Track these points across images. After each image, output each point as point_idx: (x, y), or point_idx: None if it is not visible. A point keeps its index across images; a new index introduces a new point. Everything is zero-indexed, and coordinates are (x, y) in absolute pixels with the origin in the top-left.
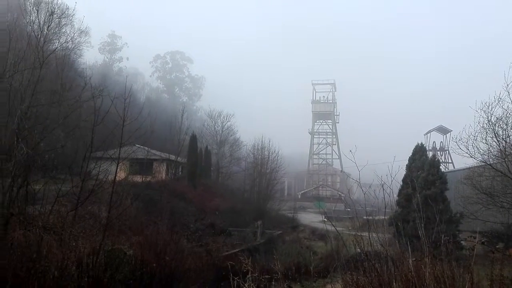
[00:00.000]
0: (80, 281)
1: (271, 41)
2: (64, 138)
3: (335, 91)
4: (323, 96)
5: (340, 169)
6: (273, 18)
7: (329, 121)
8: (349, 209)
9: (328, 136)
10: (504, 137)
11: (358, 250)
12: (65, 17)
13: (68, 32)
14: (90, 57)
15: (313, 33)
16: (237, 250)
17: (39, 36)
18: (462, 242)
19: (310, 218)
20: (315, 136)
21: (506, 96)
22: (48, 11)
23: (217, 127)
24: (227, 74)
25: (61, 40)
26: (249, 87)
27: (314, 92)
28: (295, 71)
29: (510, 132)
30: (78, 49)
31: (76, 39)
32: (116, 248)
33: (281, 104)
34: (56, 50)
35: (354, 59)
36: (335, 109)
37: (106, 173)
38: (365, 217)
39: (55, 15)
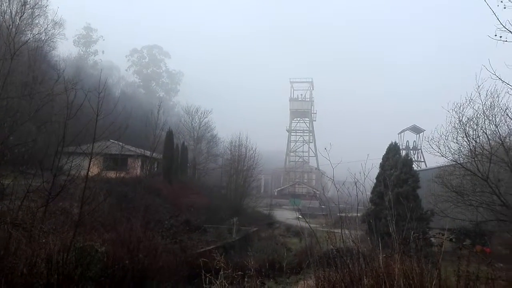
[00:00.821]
0: (50, 278)
1: (250, 39)
2: (36, 132)
3: (313, 89)
4: (301, 94)
5: (316, 166)
6: (252, 16)
7: (306, 119)
8: (323, 206)
9: (305, 134)
10: (474, 137)
11: (331, 246)
12: (38, 7)
13: (42, 23)
14: (64, 49)
15: (292, 32)
16: (212, 247)
17: (11, 26)
18: (432, 239)
19: (286, 215)
20: (292, 133)
21: (477, 97)
22: (20, 1)
23: (194, 123)
24: (205, 71)
25: (34, 32)
26: (227, 84)
27: (292, 90)
28: (274, 69)
29: (480, 132)
30: (52, 41)
31: (49, 30)
32: (87, 245)
33: (259, 102)
34: (29, 41)
35: (331, 59)
36: (312, 107)
37: (79, 168)
38: (338, 214)
39: (28, 6)
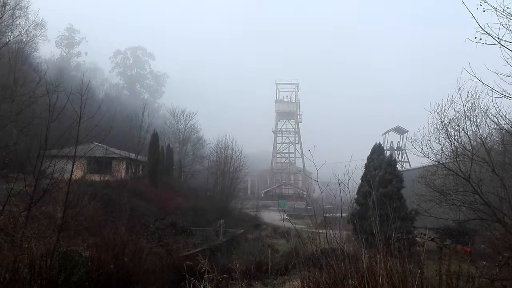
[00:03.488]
0: (33, 284)
1: (235, 41)
2: (17, 135)
3: (298, 91)
4: (287, 96)
5: (302, 168)
6: (238, 17)
7: (292, 120)
8: (310, 207)
9: (291, 135)
10: (456, 137)
11: (315, 248)
12: (19, 8)
13: (23, 24)
14: (46, 51)
15: (277, 34)
16: (198, 249)
17: None
18: (417, 238)
19: (273, 216)
20: (278, 135)
21: (458, 99)
22: (0, 1)
23: (180, 125)
24: (190, 73)
25: (14, 33)
26: (213, 86)
27: (277, 91)
28: (259, 71)
29: (462, 133)
30: (33, 43)
31: (31, 32)
32: (71, 249)
33: (245, 103)
34: (9, 43)
35: (317, 61)
36: (298, 108)
37: (62, 171)
38: (323, 215)
39: (8, 7)
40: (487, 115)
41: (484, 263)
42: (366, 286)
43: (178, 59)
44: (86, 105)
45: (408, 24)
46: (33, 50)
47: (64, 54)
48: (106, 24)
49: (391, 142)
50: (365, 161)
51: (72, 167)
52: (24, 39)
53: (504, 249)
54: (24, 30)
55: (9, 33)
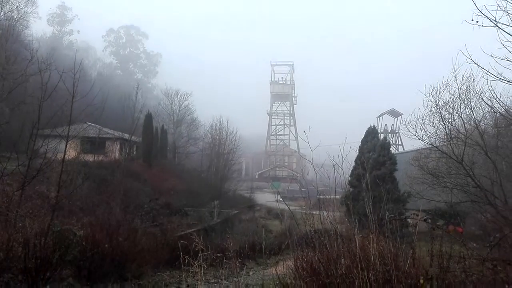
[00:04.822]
0: (27, 262)
1: (231, 20)
2: (9, 114)
3: (294, 72)
4: (282, 78)
5: (296, 150)
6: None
7: (287, 102)
8: (303, 189)
9: (286, 117)
10: (450, 120)
11: (309, 228)
12: None
13: (13, 1)
14: (37, 29)
15: (272, 14)
16: (193, 229)
17: None
18: (409, 220)
19: (267, 198)
20: (273, 117)
21: (453, 81)
22: None
23: (174, 106)
24: (185, 53)
25: (4, 9)
26: (208, 66)
27: (272, 73)
28: (255, 52)
29: (456, 116)
30: (25, 20)
31: (22, 8)
32: (65, 228)
33: (239, 85)
34: (0, 19)
35: (312, 42)
36: (293, 90)
37: (55, 151)
38: (317, 197)
39: None
40: (482, 98)
41: (475, 244)
42: (359, 265)
43: (171, 39)
44: (78, 84)
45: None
46: (24, 27)
47: (56, 32)
48: (98, 1)
49: (385, 125)
50: (360, 143)
51: (65, 147)
52: (15, 16)
53: (495, 231)
54: (15, 6)
55: (0, 9)
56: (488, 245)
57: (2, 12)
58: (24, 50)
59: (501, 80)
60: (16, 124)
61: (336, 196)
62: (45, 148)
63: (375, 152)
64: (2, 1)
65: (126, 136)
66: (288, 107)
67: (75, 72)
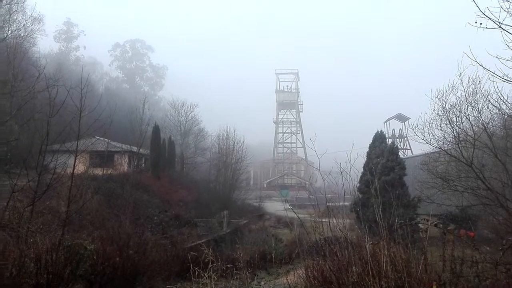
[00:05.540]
0: (39, 278)
1: (235, 31)
2: (18, 131)
3: (299, 80)
4: (287, 86)
5: (304, 157)
6: (237, 7)
7: (293, 110)
8: (312, 197)
9: (292, 125)
10: (457, 123)
11: (319, 236)
12: (16, 3)
13: (20, 19)
14: (44, 45)
15: (277, 24)
16: (203, 240)
17: None
18: (420, 225)
19: (276, 207)
20: (279, 125)
21: (459, 84)
22: None
23: (181, 117)
24: (190, 64)
25: (12, 28)
26: (213, 77)
27: (278, 81)
28: (260, 61)
29: (463, 119)
30: (31, 37)
31: (28, 26)
32: (76, 243)
33: (246, 94)
34: (7, 38)
35: (317, 50)
36: (298, 98)
37: (64, 166)
38: (326, 204)
39: (4, 1)
40: (489, 100)
41: (487, 248)
42: (370, 272)
43: (177, 52)
44: (86, 99)
45: (408, 9)
46: (31, 45)
47: (63, 48)
48: (104, 17)
49: (393, 129)
50: (367, 149)
51: (74, 162)
52: (22, 34)
53: (507, 233)
54: (22, 24)
55: (7, 28)
56: (501, 248)
57: (9, 31)
58: (32, 67)
59: (507, 81)
60: (26, 141)
61: (345, 203)
62: (54, 163)
63: (384, 157)
64: (10, 20)
65: (134, 148)
66: (294, 115)
67: (82, 87)
